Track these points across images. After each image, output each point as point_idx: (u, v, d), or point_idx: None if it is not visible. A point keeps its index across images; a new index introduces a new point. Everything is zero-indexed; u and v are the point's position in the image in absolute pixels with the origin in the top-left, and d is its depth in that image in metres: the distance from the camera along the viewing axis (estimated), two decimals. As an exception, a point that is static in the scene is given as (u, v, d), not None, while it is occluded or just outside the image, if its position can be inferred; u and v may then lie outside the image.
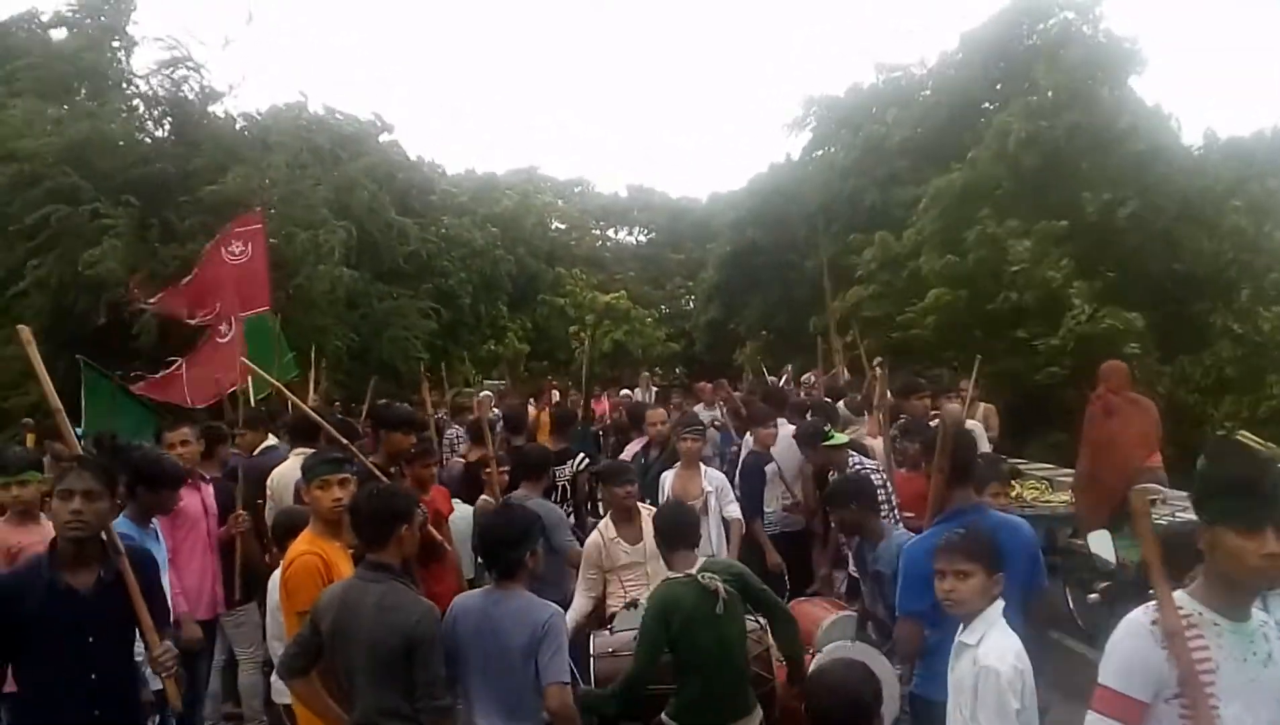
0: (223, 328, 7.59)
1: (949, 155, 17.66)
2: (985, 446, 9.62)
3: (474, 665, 3.65)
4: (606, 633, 4.91)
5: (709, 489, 6.54)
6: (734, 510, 6.62)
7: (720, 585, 4.03)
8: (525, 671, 3.56)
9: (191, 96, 18.49)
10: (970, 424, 10.09)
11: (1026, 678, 3.16)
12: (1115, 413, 7.65)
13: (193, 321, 8.27)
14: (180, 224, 16.72)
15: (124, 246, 15.50)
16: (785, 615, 4.41)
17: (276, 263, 16.96)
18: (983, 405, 10.46)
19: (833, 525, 6.26)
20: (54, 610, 3.40)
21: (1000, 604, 3.27)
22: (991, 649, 3.16)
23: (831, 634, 5.03)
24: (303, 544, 4.08)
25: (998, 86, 19.05)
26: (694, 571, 4.13)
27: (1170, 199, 14.51)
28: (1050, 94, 15.66)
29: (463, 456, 8.02)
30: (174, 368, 8.08)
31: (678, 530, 4.35)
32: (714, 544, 6.44)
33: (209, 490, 5.73)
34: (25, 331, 3.91)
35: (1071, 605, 7.75)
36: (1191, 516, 6.29)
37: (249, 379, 7.25)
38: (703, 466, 6.83)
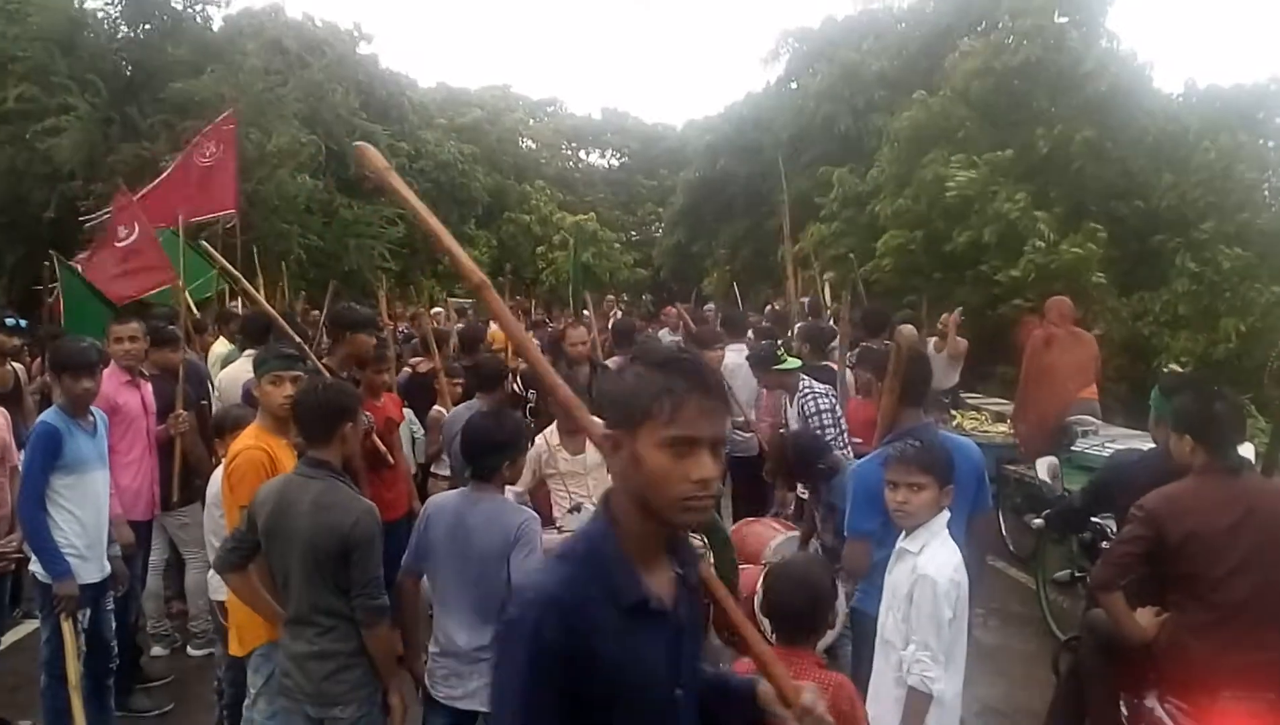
0: (120, 231, 7.27)
1: (927, 86, 17.47)
2: (952, 379, 9.86)
3: (446, 565, 3.68)
4: (555, 530, 4.96)
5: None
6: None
7: None
8: (497, 573, 3.58)
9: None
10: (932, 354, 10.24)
11: (962, 590, 3.23)
12: (1055, 345, 7.91)
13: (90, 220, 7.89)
14: (142, 121, 16.37)
15: (82, 130, 15.16)
16: (724, 539, 4.54)
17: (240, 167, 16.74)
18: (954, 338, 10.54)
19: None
20: (642, 647, 1.73)
21: (945, 515, 3.31)
22: (932, 559, 3.22)
23: (781, 552, 5.11)
24: (249, 438, 4.04)
25: (973, 23, 18.79)
26: None
27: (1136, 139, 14.48)
28: (1011, 28, 15.45)
29: (412, 366, 7.95)
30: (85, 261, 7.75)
31: None
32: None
33: (148, 388, 5.63)
34: None
35: (1005, 531, 7.95)
36: (1121, 446, 6.53)
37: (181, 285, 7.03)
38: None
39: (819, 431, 6.09)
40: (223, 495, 4.05)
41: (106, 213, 7.62)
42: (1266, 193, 15.04)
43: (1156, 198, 14.07)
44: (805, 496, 5.50)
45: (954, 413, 9.10)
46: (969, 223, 14.34)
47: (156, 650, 6.13)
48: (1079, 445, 7.21)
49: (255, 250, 10.87)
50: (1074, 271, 13.17)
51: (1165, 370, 7.38)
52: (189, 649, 6.15)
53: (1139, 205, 14.41)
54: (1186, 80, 16.27)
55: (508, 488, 5.14)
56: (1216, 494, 3.51)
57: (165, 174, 8.44)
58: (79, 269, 7.51)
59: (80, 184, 14.91)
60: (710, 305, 17.96)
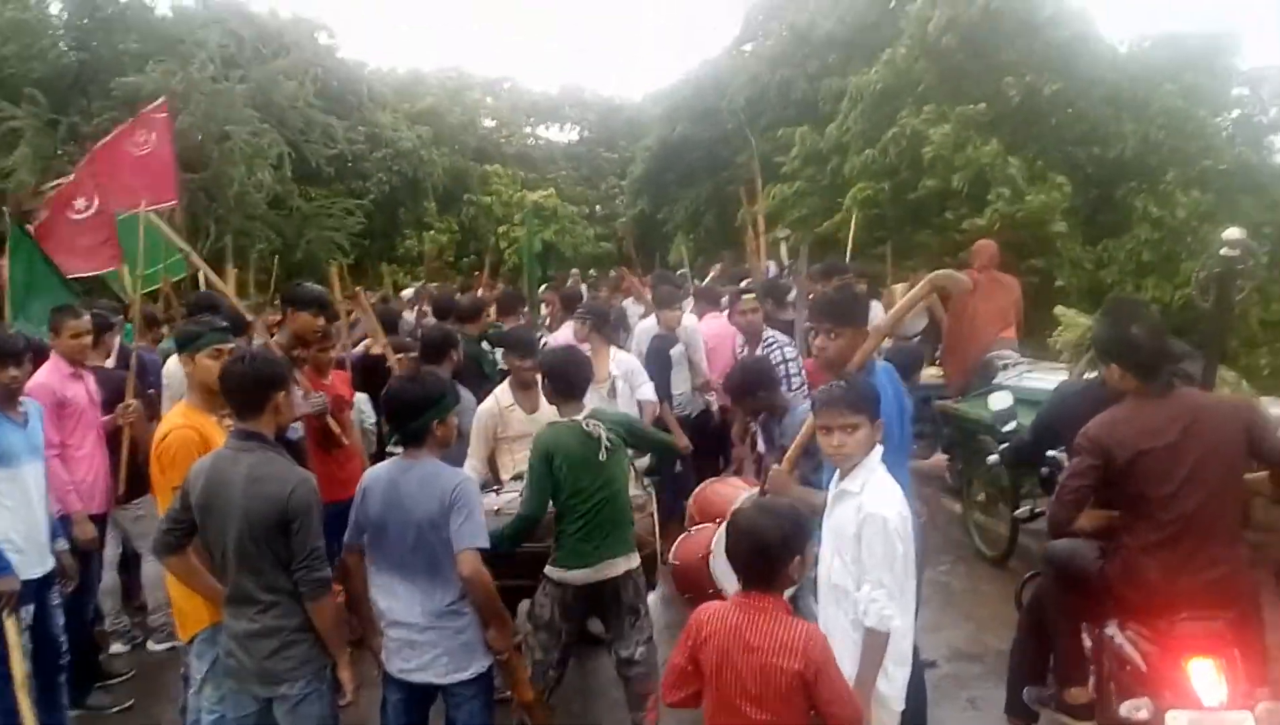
0: (78, 203, 7.04)
1: (877, 46, 17.40)
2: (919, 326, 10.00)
3: (387, 535, 3.60)
4: (493, 493, 4.92)
5: (616, 373, 6.50)
6: (647, 392, 6.61)
7: (604, 432, 4.11)
8: (437, 539, 3.51)
9: None
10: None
11: (908, 522, 3.19)
12: (978, 290, 8.15)
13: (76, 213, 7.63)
14: (87, 124, 16.09)
15: (33, 152, 14.93)
16: (670, 449, 4.96)
17: (201, 163, 16.45)
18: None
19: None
20: None
21: (879, 450, 3.27)
22: (877, 496, 3.17)
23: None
24: (177, 418, 3.93)
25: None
26: (579, 418, 4.18)
27: (1098, 85, 14.45)
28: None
29: (366, 348, 7.82)
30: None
31: (566, 376, 4.37)
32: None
33: (91, 380, 5.49)
34: None
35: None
36: (1042, 376, 6.84)
37: (126, 276, 6.85)
38: (613, 350, 6.77)
39: (784, 380, 6.16)
40: (154, 479, 3.94)
41: (56, 185, 7.35)
42: (1227, 131, 15.03)
43: (1118, 146, 14.06)
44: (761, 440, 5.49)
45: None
46: (936, 172, 14.34)
47: (116, 647, 6.03)
48: (999, 378, 7.49)
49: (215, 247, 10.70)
50: (1038, 220, 13.21)
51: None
52: (150, 644, 6.05)
53: (1097, 152, 14.42)
54: (1138, 32, 16.25)
55: (469, 467, 5.13)
56: (1154, 414, 3.48)
57: (89, 157, 8.17)
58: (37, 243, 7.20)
59: (32, 189, 14.67)
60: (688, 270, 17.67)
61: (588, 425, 4.14)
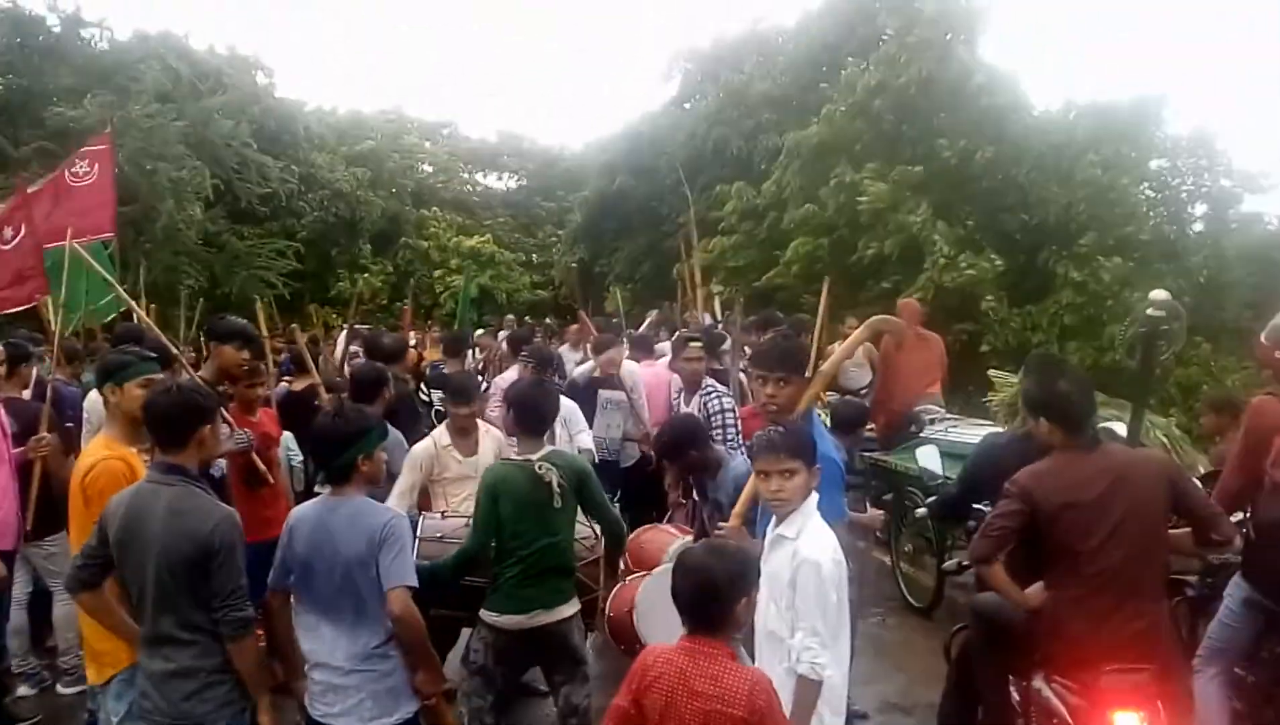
0: (5, 233, 6.85)
1: (812, 107, 17.73)
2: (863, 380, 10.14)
3: (314, 575, 3.49)
4: (437, 516, 4.85)
5: (555, 417, 6.47)
6: (585, 439, 6.60)
7: (555, 477, 4.00)
8: (365, 578, 3.41)
9: (48, 16, 17.45)
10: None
11: (842, 569, 3.19)
12: (904, 347, 8.65)
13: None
14: (16, 151, 15.76)
15: None
16: (616, 530, 4.44)
17: (130, 197, 16.18)
18: (867, 344, 10.95)
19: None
20: None
21: (815, 497, 3.27)
22: (812, 543, 3.17)
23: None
24: (102, 449, 3.79)
25: (857, 40, 19.15)
26: (533, 457, 4.08)
27: (1026, 152, 14.88)
28: (900, 44, 15.82)
29: (288, 382, 7.69)
30: None
31: (536, 408, 4.29)
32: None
33: (2, 411, 5.30)
34: None
35: None
36: (966, 431, 6.96)
37: (49, 305, 6.68)
38: (551, 394, 6.75)
39: (719, 430, 6.17)
40: (74, 512, 3.79)
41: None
42: (1147, 200, 15.56)
43: (1043, 211, 14.46)
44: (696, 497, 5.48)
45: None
46: (875, 234, 14.60)
47: (23, 690, 5.77)
48: (926, 432, 7.67)
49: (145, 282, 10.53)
50: (970, 289, 13.51)
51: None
52: (59, 687, 5.80)
53: (1025, 219, 14.83)
54: (1066, 99, 16.74)
55: (393, 496, 5.03)
56: (1081, 468, 3.56)
57: (34, 189, 8.03)
58: None
59: None
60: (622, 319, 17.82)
61: (540, 468, 4.03)
